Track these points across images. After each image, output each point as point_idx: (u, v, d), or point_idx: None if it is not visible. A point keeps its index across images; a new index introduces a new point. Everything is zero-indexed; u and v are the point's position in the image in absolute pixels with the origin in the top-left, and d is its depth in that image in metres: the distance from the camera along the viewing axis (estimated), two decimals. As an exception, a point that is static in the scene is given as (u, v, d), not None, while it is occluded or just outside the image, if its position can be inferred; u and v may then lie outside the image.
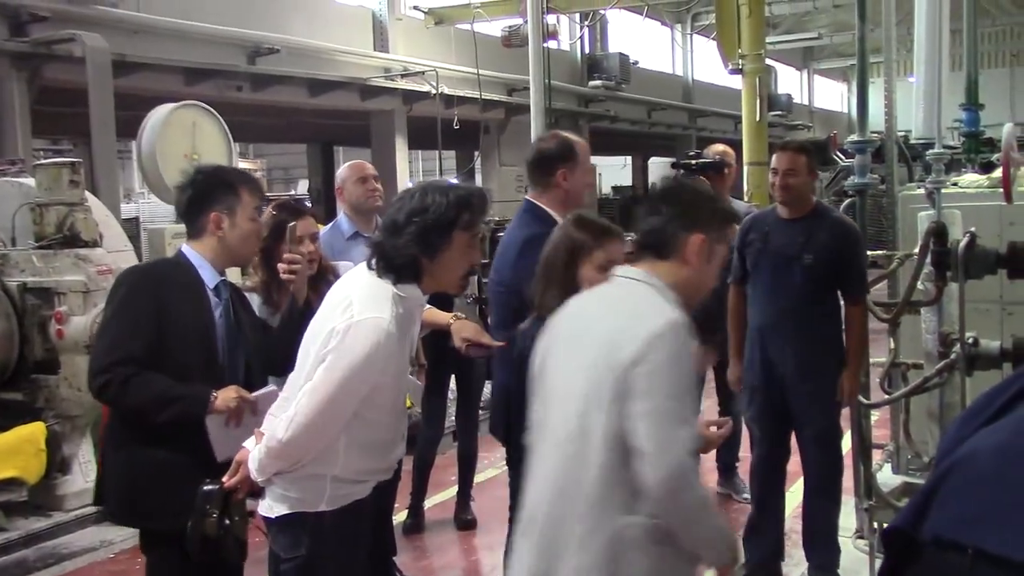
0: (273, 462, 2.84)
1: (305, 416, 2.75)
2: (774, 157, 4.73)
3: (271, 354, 3.37)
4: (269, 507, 2.92)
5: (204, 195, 3.24)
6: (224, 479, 3.00)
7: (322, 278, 3.74)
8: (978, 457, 1.91)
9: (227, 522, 3.00)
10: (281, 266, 3.52)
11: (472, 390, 6.09)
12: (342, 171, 5.05)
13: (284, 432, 2.77)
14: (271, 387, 3.21)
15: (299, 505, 2.86)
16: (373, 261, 2.86)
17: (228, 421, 3.11)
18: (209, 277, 3.24)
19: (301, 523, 2.87)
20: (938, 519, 1.85)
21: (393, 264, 2.81)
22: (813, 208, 4.71)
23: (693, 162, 5.61)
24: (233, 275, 3.53)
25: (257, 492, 2.98)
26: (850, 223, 4.82)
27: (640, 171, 29.03)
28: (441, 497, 6.32)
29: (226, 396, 3.11)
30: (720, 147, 6.34)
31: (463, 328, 3.62)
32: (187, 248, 3.27)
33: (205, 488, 3.00)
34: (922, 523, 1.87)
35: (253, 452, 2.92)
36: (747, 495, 5.63)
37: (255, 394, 3.17)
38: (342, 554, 2.90)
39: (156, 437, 3.11)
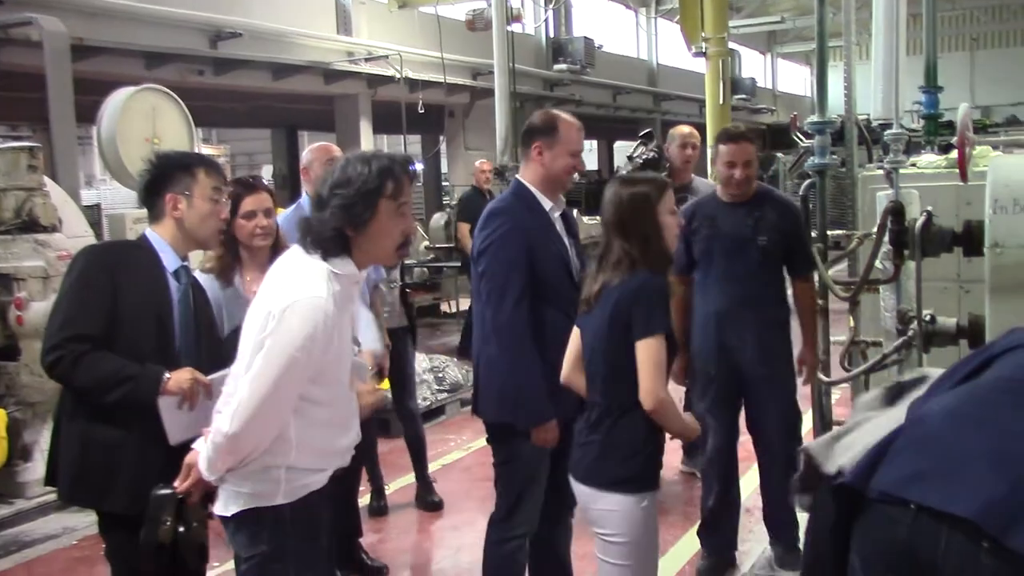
0: (223, 458, 2.70)
1: (248, 408, 2.61)
2: (725, 149, 4.53)
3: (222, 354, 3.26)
4: (224, 506, 2.79)
5: (161, 177, 3.22)
6: (176, 483, 2.89)
7: (279, 255, 3.74)
8: (926, 420, 1.97)
9: (182, 529, 2.89)
10: None
11: (404, 375, 6.04)
12: (309, 152, 5.01)
13: (229, 426, 2.63)
14: (226, 371, 3.05)
15: (254, 500, 2.74)
16: (304, 240, 2.74)
17: (182, 403, 3.05)
18: (170, 261, 3.21)
19: (258, 519, 2.74)
20: (885, 476, 1.91)
21: (320, 239, 2.69)
22: (755, 190, 4.67)
23: (639, 156, 5.62)
24: (195, 255, 3.49)
25: (212, 493, 2.84)
26: (791, 201, 4.88)
27: (606, 155, 29.09)
28: (408, 480, 6.32)
29: (179, 378, 3.05)
30: (685, 128, 6.35)
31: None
32: (150, 232, 3.24)
33: (157, 493, 2.89)
34: (869, 480, 1.93)
35: (202, 451, 2.79)
36: None
37: (210, 377, 3.10)
38: (304, 547, 2.80)
39: (110, 415, 3.06)
